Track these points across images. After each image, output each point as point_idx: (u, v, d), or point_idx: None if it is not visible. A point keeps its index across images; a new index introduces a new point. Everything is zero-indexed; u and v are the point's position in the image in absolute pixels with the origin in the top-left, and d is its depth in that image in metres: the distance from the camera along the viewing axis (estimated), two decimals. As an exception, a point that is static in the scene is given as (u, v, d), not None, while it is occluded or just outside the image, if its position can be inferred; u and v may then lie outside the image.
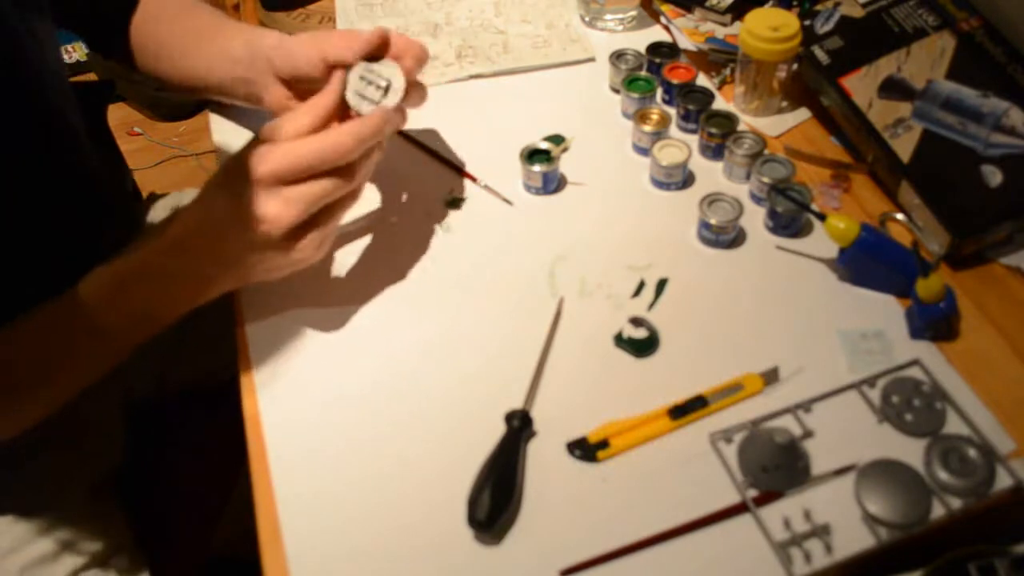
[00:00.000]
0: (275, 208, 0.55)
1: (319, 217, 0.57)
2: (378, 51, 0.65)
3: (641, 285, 0.68)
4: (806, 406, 0.59)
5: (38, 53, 0.66)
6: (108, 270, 0.59)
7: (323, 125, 0.58)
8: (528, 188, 0.77)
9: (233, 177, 0.56)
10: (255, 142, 0.57)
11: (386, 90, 0.63)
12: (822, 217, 0.65)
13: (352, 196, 0.59)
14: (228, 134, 0.85)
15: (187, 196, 1.04)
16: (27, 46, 0.64)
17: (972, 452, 0.55)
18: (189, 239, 0.58)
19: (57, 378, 0.62)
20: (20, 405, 0.63)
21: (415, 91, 0.66)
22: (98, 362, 0.63)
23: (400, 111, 0.63)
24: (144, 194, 1.02)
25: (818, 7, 0.81)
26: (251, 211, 0.55)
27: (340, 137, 0.56)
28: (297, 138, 0.56)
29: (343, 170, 0.57)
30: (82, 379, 0.63)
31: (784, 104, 0.83)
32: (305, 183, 0.56)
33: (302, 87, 0.71)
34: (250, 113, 0.86)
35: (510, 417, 0.59)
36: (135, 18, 0.80)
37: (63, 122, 0.71)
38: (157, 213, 0.98)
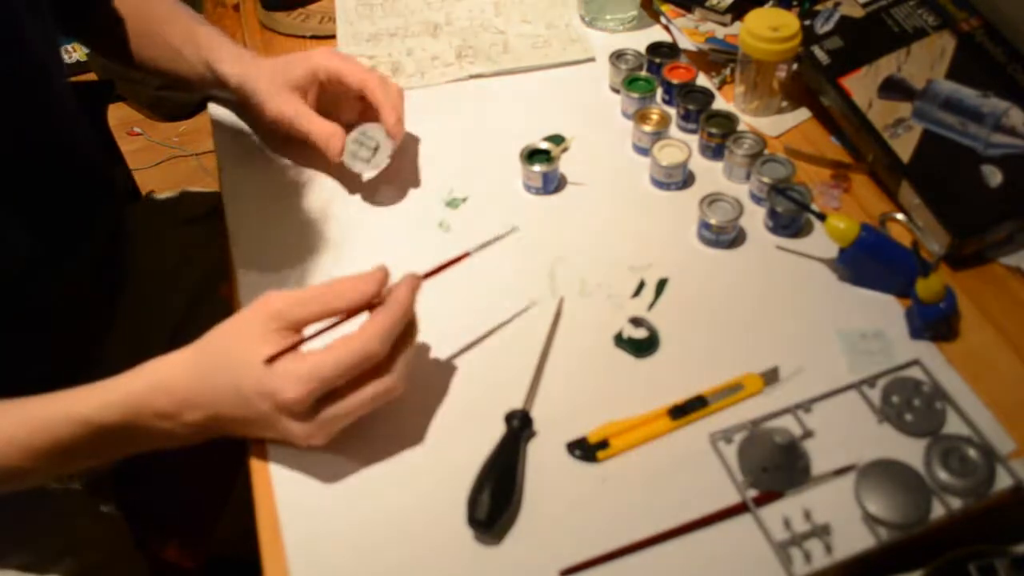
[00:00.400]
0: (304, 432, 0.53)
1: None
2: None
3: (641, 285, 0.68)
4: (806, 406, 0.59)
5: (37, 52, 0.66)
6: (79, 416, 0.54)
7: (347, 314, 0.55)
8: (528, 188, 0.77)
9: (249, 393, 0.52)
10: (265, 314, 0.53)
11: (375, 150, 0.72)
12: (822, 217, 0.65)
13: (392, 392, 0.55)
14: (228, 134, 0.85)
15: (188, 195, 1.04)
16: (28, 44, 0.65)
17: (972, 452, 0.55)
18: (207, 423, 0.55)
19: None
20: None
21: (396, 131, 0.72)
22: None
23: (417, 279, 0.59)
24: (143, 193, 1.02)
25: (818, 7, 0.81)
26: (281, 429, 0.53)
27: (367, 344, 0.52)
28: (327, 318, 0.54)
29: (378, 367, 0.54)
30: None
31: (784, 104, 0.83)
32: (340, 401, 0.53)
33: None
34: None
35: (510, 417, 0.59)
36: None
37: (61, 121, 0.71)
38: (157, 213, 0.98)
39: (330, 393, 0.53)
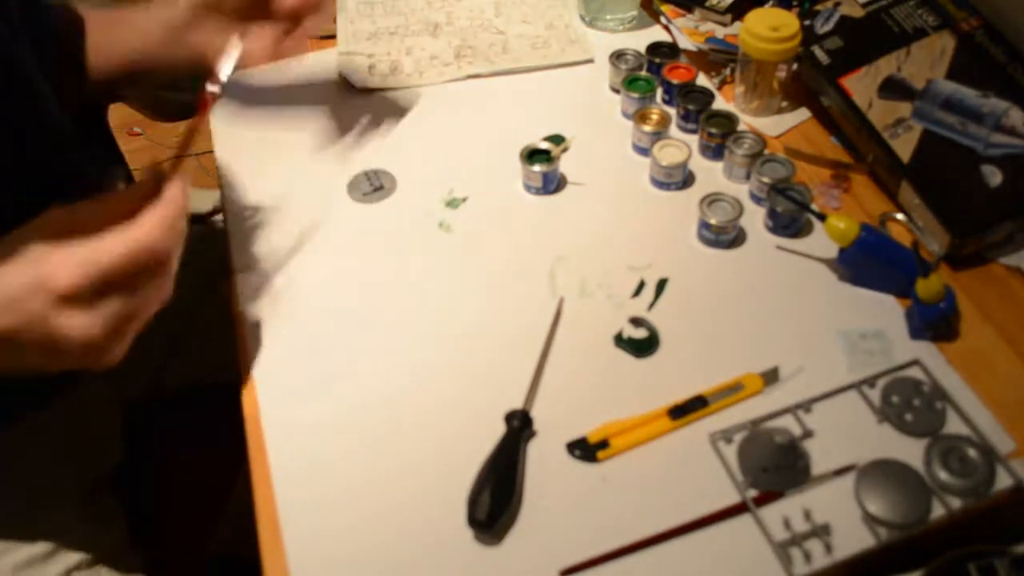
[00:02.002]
0: (82, 327, 0.47)
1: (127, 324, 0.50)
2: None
3: (641, 285, 0.68)
4: (806, 406, 0.59)
5: (35, 51, 0.66)
6: None
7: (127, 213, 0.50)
8: (528, 188, 0.77)
9: (17, 292, 0.47)
10: (49, 225, 0.49)
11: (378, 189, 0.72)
12: (822, 217, 0.65)
13: (167, 296, 0.51)
14: (228, 134, 0.85)
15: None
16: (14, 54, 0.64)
17: (972, 452, 0.55)
18: None
19: None
20: None
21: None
22: None
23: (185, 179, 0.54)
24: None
25: (818, 7, 0.81)
26: (53, 329, 0.48)
27: (152, 232, 0.48)
28: (98, 235, 0.48)
29: (153, 274, 0.50)
30: None
31: (784, 104, 0.83)
32: (119, 297, 0.48)
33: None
34: (250, 113, 0.87)
35: (510, 417, 0.59)
36: None
37: (60, 122, 0.71)
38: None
39: (106, 290, 0.48)
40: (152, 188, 0.51)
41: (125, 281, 0.48)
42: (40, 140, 0.69)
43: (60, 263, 0.47)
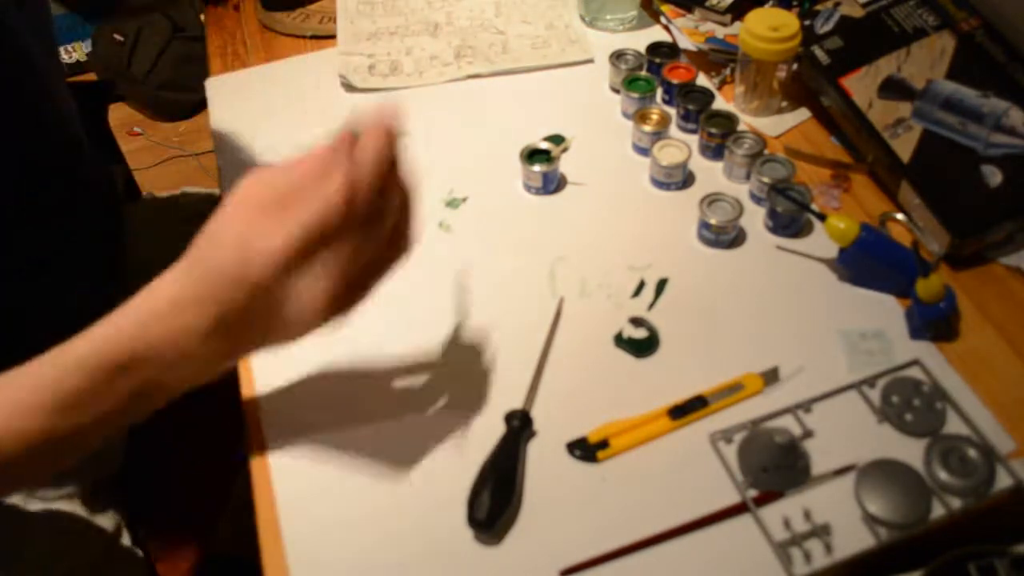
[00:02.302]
0: (301, 288, 0.48)
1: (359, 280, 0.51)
2: None
3: (641, 285, 0.68)
4: (806, 406, 0.59)
5: (37, 52, 0.66)
6: (96, 350, 0.50)
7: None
8: (528, 188, 0.77)
9: (231, 256, 0.48)
10: (249, 198, 0.49)
11: None
12: (822, 217, 0.65)
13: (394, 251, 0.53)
14: (228, 134, 0.85)
15: (186, 194, 1.04)
16: (26, 44, 0.65)
17: (972, 452, 0.55)
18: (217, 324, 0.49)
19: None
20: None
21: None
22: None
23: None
24: (143, 193, 1.02)
25: (818, 7, 0.81)
26: (284, 294, 0.48)
27: (339, 190, 0.48)
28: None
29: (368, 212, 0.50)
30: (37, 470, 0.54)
31: (784, 104, 0.83)
32: (326, 253, 0.48)
33: None
34: (250, 113, 0.87)
35: (510, 417, 0.59)
36: None
37: (60, 121, 0.71)
38: (156, 211, 0.98)
39: (317, 249, 0.48)
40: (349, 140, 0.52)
41: (329, 237, 0.48)
42: (50, 139, 0.69)
43: (268, 234, 0.47)
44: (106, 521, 0.80)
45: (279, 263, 0.47)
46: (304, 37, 0.97)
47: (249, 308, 0.48)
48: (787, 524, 0.53)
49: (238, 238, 0.48)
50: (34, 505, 0.76)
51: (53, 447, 0.51)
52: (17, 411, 0.49)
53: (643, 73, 0.84)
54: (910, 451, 0.56)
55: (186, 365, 0.50)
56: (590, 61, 0.90)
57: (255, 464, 0.59)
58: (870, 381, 0.60)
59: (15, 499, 0.76)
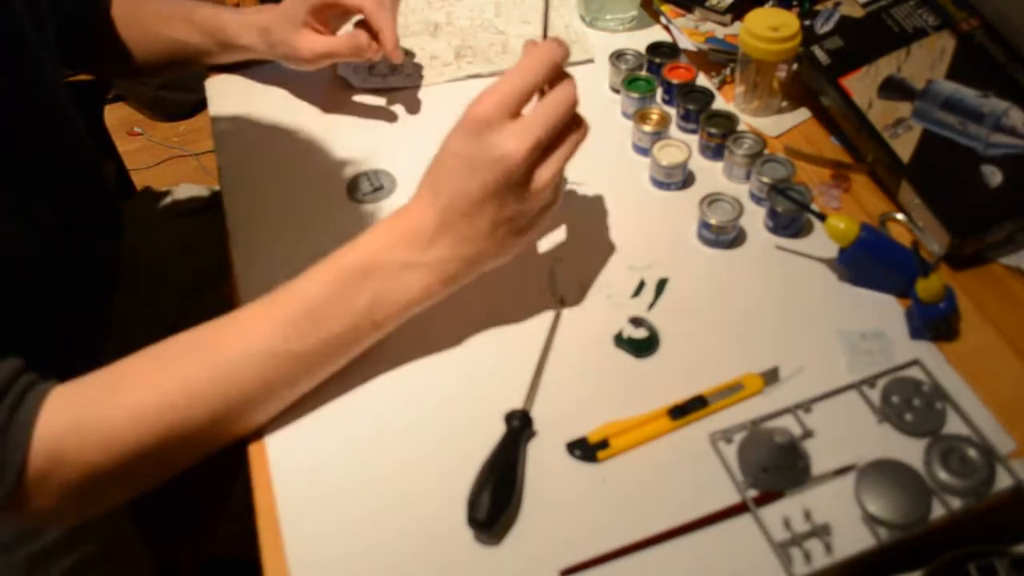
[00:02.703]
0: (537, 186, 0.56)
1: (555, 151, 0.58)
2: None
3: (641, 285, 0.68)
4: (806, 406, 0.59)
5: (35, 52, 0.66)
6: (331, 266, 0.58)
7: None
8: (528, 188, 0.76)
9: (477, 157, 0.56)
10: (478, 117, 0.56)
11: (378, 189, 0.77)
12: (822, 217, 0.65)
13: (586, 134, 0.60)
14: (228, 134, 0.85)
15: (183, 191, 1.04)
16: (27, 41, 0.65)
17: (972, 452, 0.55)
18: (443, 225, 0.57)
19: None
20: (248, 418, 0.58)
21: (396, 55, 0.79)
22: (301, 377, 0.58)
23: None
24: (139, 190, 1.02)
25: (818, 7, 0.81)
26: (514, 197, 0.56)
27: (567, 92, 0.57)
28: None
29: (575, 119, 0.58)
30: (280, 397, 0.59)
31: (784, 104, 0.83)
32: (555, 152, 0.57)
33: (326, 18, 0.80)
34: (250, 113, 0.87)
35: (510, 417, 0.59)
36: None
37: (57, 120, 0.71)
38: (152, 207, 0.98)
39: (553, 143, 0.57)
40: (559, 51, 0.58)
41: (562, 132, 0.57)
42: (52, 148, 0.69)
43: (511, 136, 0.55)
44: (111, 514, 0.80)
45: (525, 160, 0.55)
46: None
47: (477, 210, 0.56)
48: (787, 524, 0.53)
49: (487, 148, 0.55)
50: None
51: (287, 373, 0.57)
52: (264, 331, 0.56)
53: (643, 73, 0.84)
54: (910, 451, 0.56)
55: (406, 292, 0.58)
56: (590, 61, 0.90)
57: (255, 464, 0.58)
58: (870, 381, 0.60)
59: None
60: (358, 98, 0.88)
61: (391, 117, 0.85)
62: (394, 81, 0.88)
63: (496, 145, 0.55)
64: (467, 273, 0.59)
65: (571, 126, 0.58)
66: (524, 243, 0.60)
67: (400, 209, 0.60)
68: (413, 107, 0.86)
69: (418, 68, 0.90)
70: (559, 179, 0.58)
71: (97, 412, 0.53)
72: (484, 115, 0.55)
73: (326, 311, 0.57)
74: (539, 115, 0.56)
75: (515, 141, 0.54)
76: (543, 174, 0.57)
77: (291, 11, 0.79)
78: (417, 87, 0.88)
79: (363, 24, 0.80)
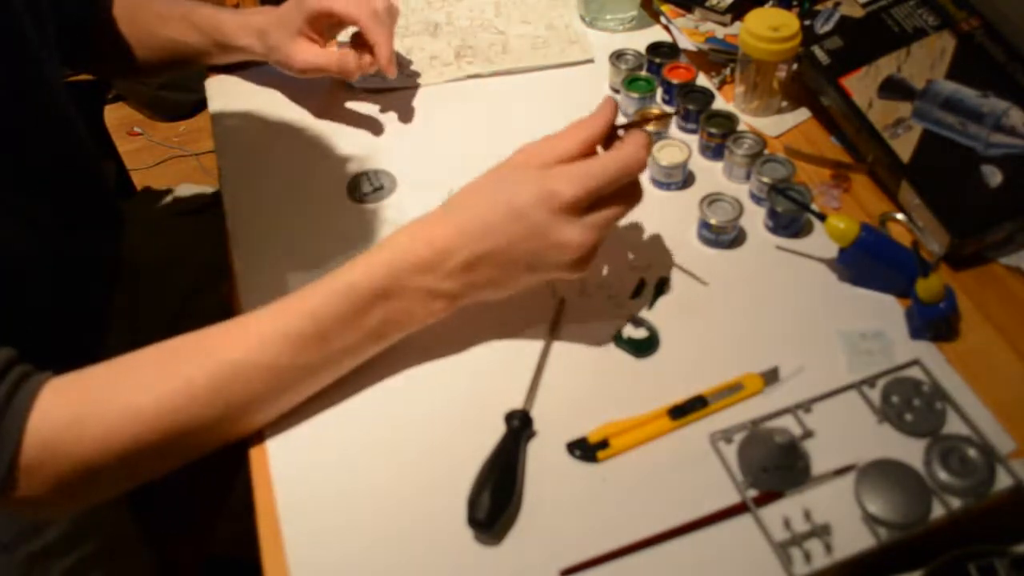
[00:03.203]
0: (579, 235, 0.55)
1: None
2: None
3: (641, 285, 0.68)
4: (806, 406, 0.59)
5: (35, 51, 0.66)
6: (346, 284, 0.56)
7: (593, 144, 0.59)
8: (528, 188, 0.76)
9: (524, 204, 0.55)
10: (524, 158, 0.58)
11: (378, 189, 0.77)
12: (822, 217, 0.65)
13: (639, 199, 0.59)
14: (228, 134, 0.85)
15: (182, 191, 1.04)
16: (27, 41, 0.65)
17: (972, 452, 0.55)
18: (470, 264, 0.57)
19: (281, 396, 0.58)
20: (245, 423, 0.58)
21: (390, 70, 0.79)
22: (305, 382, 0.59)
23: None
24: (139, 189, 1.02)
25: (818, 7, 0.81)
26: (554, 238, 0.55)
27: (637, 152, 0.56)
28: (581, 157, 0.57)
29: (633, 186, 0.58)
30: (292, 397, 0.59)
31: (784, 104, 0.83)
32: (605, 208, 0.56)
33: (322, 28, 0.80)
34: (250, 113, 0.87)
35: (510, 417, 0.59)
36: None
37: (58, 119, 0.71)
38: (152, 207, 0.98)
39: (599, 202, 0.57)
40: (600, 123, 0.59)
41: (614, 192, 0.57)
42: (52, 148, 0.69)
43: (562, 179, 0.55)
44: (112, 513, 0.80)
45: (563, 209, 0.55)
46: (304, 37, 0.97)
47: (511, 246, 0.56)
48: (787, 524, 0.53)
49: (530, 178, 0.56)
50: None
51: (290, 383, 0.57)
52: (272, 344, 0.55)
53: (643, 73, 0.84)
54: (910, 451, 0.56)
55: (423, 309, 0.58)
56: (590, 61, 0.90)
57: (255, 464, 0.58)
58: (870, 381, 0.60)
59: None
60: (358, 98, 0.87)
61: (391, 117, 0.85)
62: (394, 81, 0.88)
63: (544, 183, 0.55)
64: (479, 299, 0.60)
65: (628, 188, 0.58)
66: (539, 281, 0.60)
67: (422, 228, 0.59)
68: (413, 107, 0.86)
69: (418, 68, 0.90)
70: (595, 240, 0.56)
71: (97, 408, 0.53)
72: (535, 156, 0.57)
73: (336, 329, 0.56)
74: (598, 165, 0.56)
75: (567, 184, 0.55)
76: (597, 217, 0.56)
77: (287, 17, 0.79)
78: (417, 87, 0.88)
79: (359, 36, 0.80)
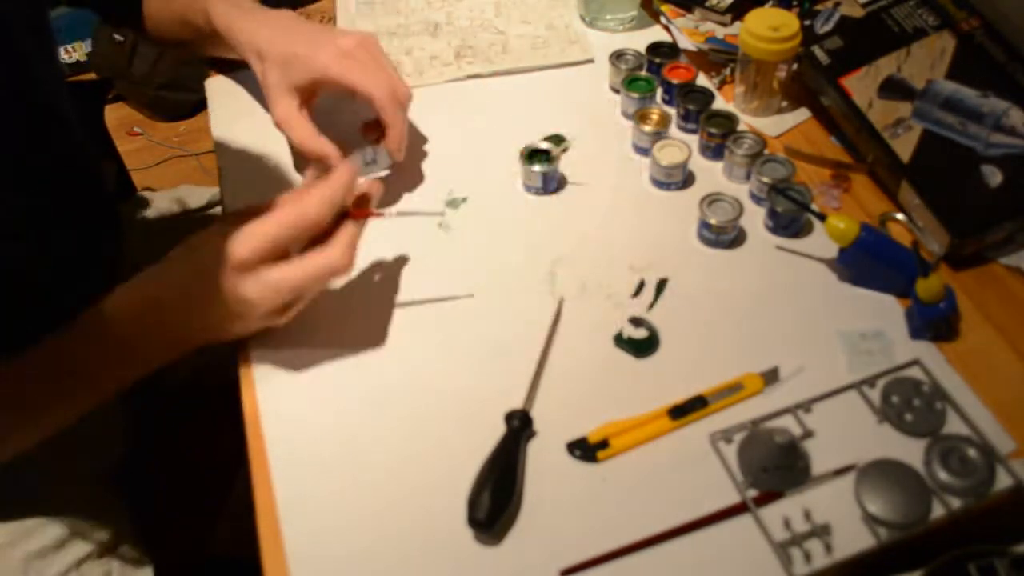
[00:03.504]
0: (258, 290, 0.57)
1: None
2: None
3: (641, 285, 0.68)
4: (806, 406, 0.59)
5: (36, 51, 0.66)
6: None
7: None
8: (528, 188, 0.77)
9: (206, 260, 0.57)
10: (229, 221, 0.58)
11: (371, 163, 0.74)
12: (822, 217, 0.65)
13: (338, 271, 0.59)
14: (228, 134, 0.85)
15: (182, 192, 1.04)
16: (25, 42, 0.65)
17: (972, 452, 0.55)
18: (163, 311, 0.59)
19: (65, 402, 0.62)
20: (24, 429, 0.63)
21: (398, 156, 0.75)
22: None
23: (378, 185, 0.65)
24: (139, 190, 1.02)
25: (818, 7, 0.81)
26: (232, 294, 0.57)
27: (306, 205, 0.57)
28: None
29: (321, 240, 0.58)
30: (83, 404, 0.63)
31: (784, 104, 0.83)
32: (288, 265, 0.57)
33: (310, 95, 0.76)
34: (250, 113, 0.87)
35: (510, 417, 0.59)
36: None
37: (58, 120, 0.71)
38: (152, 207, 0.98)
39: (272, 258, 0.57)
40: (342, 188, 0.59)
41: (287, 248, 0.57)
42: (50, 149, 0.69)
43: (237, 238, 0.56)
44: (110, 512, 0.80)
45: (235, 266, 0.56)
46: (304, 37, 0.97)
47: (213, 300, 0.57)
48: (787, 524, 0.53)
49: (209, 240, 0.57)
50: (39, 495, 0.76)
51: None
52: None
53: (643, 73, 0.84)
54: (910, 451, 0.56)
55: (145, 353, 0.60)
56: (590, 61, 0.90)
57: (255, 464, 0.59)
58: (870, 381, 0.60)
59: (18, 489, 0.76)
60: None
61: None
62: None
63: (224, 242, 0.57)
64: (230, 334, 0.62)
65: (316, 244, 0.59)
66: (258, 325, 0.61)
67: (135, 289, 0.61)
68: (413, 107, 0.86)
69: (418, 68, 0.90)
70: (292, 292, 0.58)
71: None
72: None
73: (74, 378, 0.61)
74: (271, 220, 0.57)
75: (242, 240, 0.56)
76: (274, 275, 0.57)
77: (293, 65, 0.73)
78: (417, 87, 0.88)
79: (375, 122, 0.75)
